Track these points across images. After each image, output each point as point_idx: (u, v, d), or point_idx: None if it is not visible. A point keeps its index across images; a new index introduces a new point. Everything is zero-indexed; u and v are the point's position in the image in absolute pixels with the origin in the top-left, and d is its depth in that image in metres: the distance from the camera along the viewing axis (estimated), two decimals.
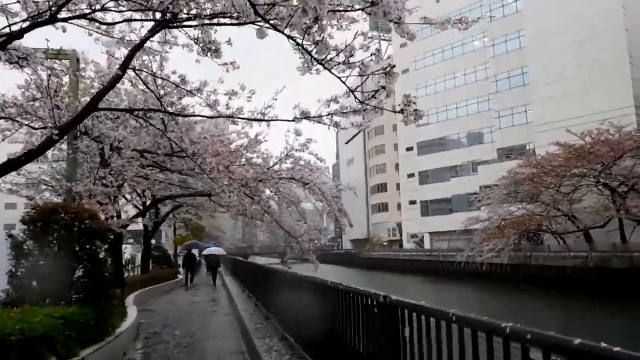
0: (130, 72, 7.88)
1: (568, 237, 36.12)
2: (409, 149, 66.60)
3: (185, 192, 13.33)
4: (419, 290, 37.15)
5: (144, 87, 7.91)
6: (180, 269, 26.79)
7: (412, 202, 65.52)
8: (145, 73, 7.27)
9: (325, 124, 7.70)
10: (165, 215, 19.32)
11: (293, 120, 7.21)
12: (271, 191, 13.49)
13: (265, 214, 13.52)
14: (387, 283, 43.55)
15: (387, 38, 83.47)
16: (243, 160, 12.62)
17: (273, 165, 12.29)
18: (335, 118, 7.93)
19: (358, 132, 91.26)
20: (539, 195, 33.78)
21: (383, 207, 79.92)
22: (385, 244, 75.81)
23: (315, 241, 13.74)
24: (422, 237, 63.66)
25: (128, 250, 23.51)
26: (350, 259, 73.60)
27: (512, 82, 50.65)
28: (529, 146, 47.55)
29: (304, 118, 7.33)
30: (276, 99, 7.09)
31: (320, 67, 7.15)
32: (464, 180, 56.14)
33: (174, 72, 7.31)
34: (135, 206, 15.72)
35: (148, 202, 15.94)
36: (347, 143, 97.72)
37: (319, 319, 5.02)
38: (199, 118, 11.23)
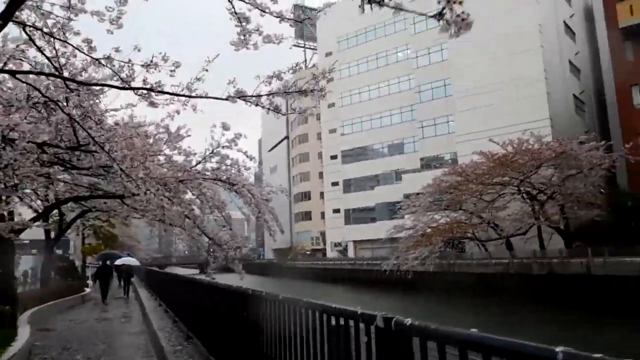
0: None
1: (490, 245, 37.13)
2: (334, 157, 66.49)
3: (94, 193, 11.52)
4: (345, 299, 36.43)
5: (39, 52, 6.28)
6: (89, 281, 24.35)
7: (336, 211, 65.33)
8: (39, 32, 5.69)
9: (264, 107, 6.54)
10: (72, 221, 17.07)
11: (227, 99, 5.97)
12: (193, 194, 12.03)
13: (187, 220, 12.05)
14: (312, 294, 42.58)
15: (312, 47, 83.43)
16: (162, 157, 11.12)
17: (196, 165, 10.87)
18: (277, 100, 6.82)
19: (282, 140, 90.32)
20: (463, 203, 34.38)
21: (307, 216, 79.25)
22: (308, 253, 75.06)
23: (241, 249, 12.40)
24: (346, 245, 63.54)
25: (27, 261, 20.82)
26: (272, 269, 72.00)
27: (435, 93, 51.89)
28: (450, 156, 48.76)
29: (240, 97, 6.11)
30: (207, 70, 5.79)
31: (258, 40, 6.04)
32: (388, 189, 56.70)
33: (77, 33, 5.78)
34: (33, 208, 13.55)
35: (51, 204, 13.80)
36: (270, 151, 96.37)
37: (273, 342, 3.83)
38: (110, 111, 9.68)
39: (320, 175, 72.54)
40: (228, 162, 10.76)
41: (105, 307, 17.27)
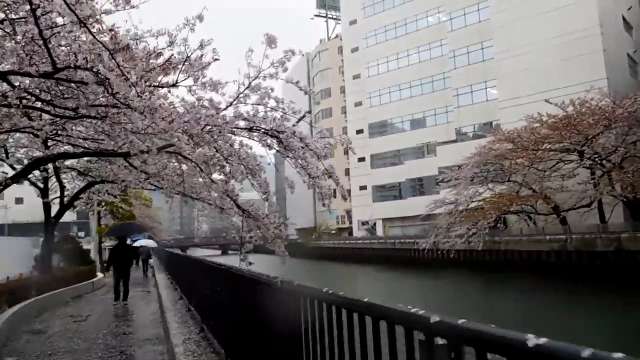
0: None
1: (538, 220, 33.71)
2: (359, 131, 62.88)
3: (87, 150, 8.55)
4: (400, 287, 32.92)
5: None
6: (98, 271, 21.09)
7: (363, 188, 62.11)
8: None
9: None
10: (76, 195, 14.22)
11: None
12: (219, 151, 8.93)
13: (214, 184, 9.09)
14: (346, 276, 39.79)
15: (334, 16, 79.31)
16: (175, 95, 8.02)
17: (226, 107, 7.71)
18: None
19: (304, 115, 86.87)
20: (513, 174, 30.91)
21: (331, 194, 76.16)
22: (334, 232, 72.23)
23: (285, 225, 9.34)
24: (374, 224, 60.48)
25: (25, 244, 18.23)
26: (296, 249, 69.33)
27: (472, 57, 47.85)
28: (491, 125, 44.93)
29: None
30: None
31: None
32: (420, 163, 53.24)
33: None
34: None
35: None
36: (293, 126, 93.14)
37: None
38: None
39: (345, 151, 69.08)
40: (271, 101, 7.61)
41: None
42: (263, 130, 8.04)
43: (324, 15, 79.15)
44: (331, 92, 74.27)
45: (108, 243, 40.67)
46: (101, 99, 6.71)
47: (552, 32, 38.89)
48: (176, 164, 11.16)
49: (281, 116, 8.07)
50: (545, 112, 29.20)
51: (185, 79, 6.84)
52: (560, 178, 27.51)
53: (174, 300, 10.52)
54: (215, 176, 9.42)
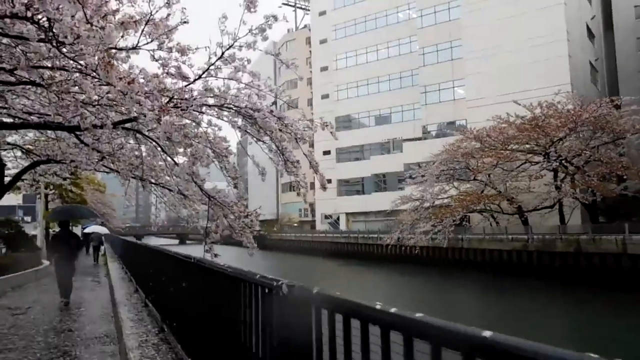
0: None
1: (500, 220, 33.96)
2: (325, 124, 62.12)
3: (28, 121, 7.48)
4: (357, 280, 32.36)
5: None
6: (48, 259, 19.18)
7: (328, 181, 61.23)
8: None
9: None
10: (17, 175, 12.87)
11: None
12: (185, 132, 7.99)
13: (176, 167, 8.18)
14: (307, 270, 39.15)
15: (303, 6, 78.19)
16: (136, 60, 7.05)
17: (194, 81, 6.78)
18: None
19: (271, 105, 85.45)
20: (478, 173, 30.93)
21: (294, 187, 75.12)
22: (296, 225, 71.55)
23: (257, 215, 8.55)
24: (338, 218, 60.11)
25: None
26: (258, 240, 67.87)
27: (441, 56, 47.83)
28: (458, 123, 45.07)
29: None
30: None
31: None
32: (386, 159, 53.11)
33: None
34: None
35: None
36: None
37: None
38: None
39: (311, 144, 68.42)
40: (244, 76, 6.76)
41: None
42: (235, 108, 7.19)
43: (293, 4, 77.88)
44: (297, 83, 73.26)
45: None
46: (45, 62, 5.73)
47: (521, 35, 39.22)
48: (134, 143, 10.18)
49: (256, 94, 7.24)
50: (513, 112, 29.28)
51: (147, 43, 5.92)
52: (527, 178, 27.61)
53: (128, 293, 9.56)
54: (179, 159, 8.54)
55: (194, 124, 7.75)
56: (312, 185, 67.00)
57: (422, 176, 33.77)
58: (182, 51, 5.49)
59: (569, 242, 27.54)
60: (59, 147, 10.62)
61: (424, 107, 49.30)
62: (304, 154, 7.92)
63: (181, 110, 6.52)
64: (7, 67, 5.66)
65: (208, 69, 6.64)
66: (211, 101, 7.33)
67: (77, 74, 6.35)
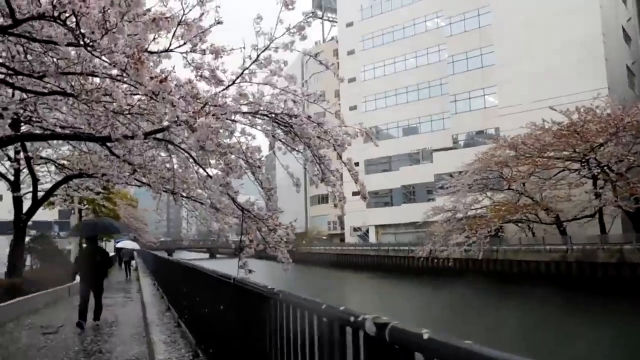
0: None
1: (537, 229, 32.75)
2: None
3: (57, 133, 7.25)
4: (392, 295, 31.39)
5: None
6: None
7: (356, 194, 60.62)
8: None
9: None
10: (50, 190, 12.82)
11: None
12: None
13: (209, 179, 7.84)
14: (339, 283, 38.52)
15: (331, 18, 78.34)
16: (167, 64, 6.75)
17: (228, 87, 6.42)
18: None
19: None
20: (513, 183, 29.92)
21: (323, 199, 74.98)
22: (325, 237, 70.93)
23: (293, 228, 8.13)
24: (367, 230, 59.29)
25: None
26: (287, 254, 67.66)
27: (470, 63, 46.97)
28: (488, 132, 44.04)
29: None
30: None
31: None
32: (416, 170, 52.22)
33: None
34: None
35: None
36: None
37: None
38: None
39: (339, 155, 67.76)
40: (280, 81, 6.37)
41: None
42: (270, 116, 6.79)
43: (320, 16, 78.12)
44: (325, 95, 73.15)
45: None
46: (75, 68, 5.45)
47: (554, 39, 38.15)
48: (165, 155, 9.91)
49: (292, 99, 6.83)
50: (550, 119, 28.27)
51: (180, 46, 5.58)
52: (566, 186, 26.51)
53: (160, 312, 9.22)
54: (211, 171, 8.20)
55: (226, 133, 7.41)
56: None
57: (454, 186, 32.91)
58: (217, 52, 5.13)
59: (611, 252, 26.27)
60: (91, 160, 10.48)
61: (454, 116, 48.38)
62: (342, 162, 7.50)
63: (215, 118, 6.14)
64: (37, 71, 5.39)
65: (242, 73, 6.30)
66: (245, 108, 6.98)
67: (108, 81, 6.09)
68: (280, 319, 2.50)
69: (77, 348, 7.55)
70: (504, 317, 19.81)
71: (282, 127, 7.05)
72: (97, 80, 6.35)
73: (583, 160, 26.14)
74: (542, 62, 38.64)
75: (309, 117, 6.48)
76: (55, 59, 5.54)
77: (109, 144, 7.85)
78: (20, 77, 5.88)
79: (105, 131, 7.11)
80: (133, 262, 27.32)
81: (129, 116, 6.92)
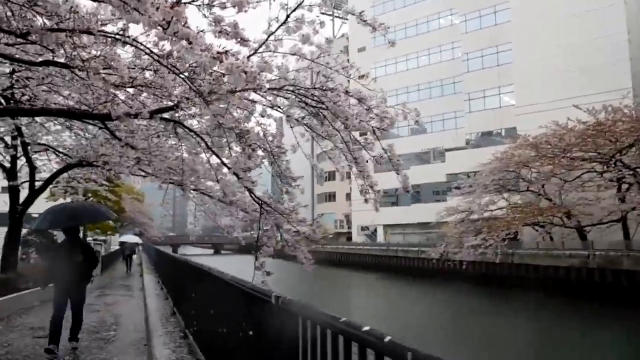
0: None
1: (555, 234, 31.54)
2: (363, 133, 60.60)
3: (49, 108, 6.25)
4: (407, 299, 30.01)
5: None
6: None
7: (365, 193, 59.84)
8: None
9: None
10: (49, 179, 11.89)
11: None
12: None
13: (219, 175, 6.88)
14: (348, 283, 37.56)
15: (341, 16, 77.23)
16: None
17: (251, 54, 5.38)
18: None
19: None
20: (532, 184, 28.78)
21: (330, 197, 73.99)
22: (331, 236, 69.90)
23: (319, 225, 7.10)
24: (375, 230, 58.26)
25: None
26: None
27: (486, 61, 45.79)
28: (504, 131, 42.88)
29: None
30: None
31: None
32: (427, 169, 51.05)
33: None
34: None
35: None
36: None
37: None
38: None
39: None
40: (311, 49, 5.35)
41: (91, 304, 11.85)
42: (299, 92, 5.75)
43: (330, 13, 77.02)
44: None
45: (102, 237, 38.03)
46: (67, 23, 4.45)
47: (576, 37, 36.94)
48: (173, 142, 8.93)
49: (324, 74, 5.80)
50: (573, 118, 27.12)
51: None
52: (594, 188, 25.37)
53: (164, 316, 8.24)
54: (224, 160, 7.20)
55: (244, 114, 6.41)
56: (348, 196, 65.54)
57: (470, 186, 31.79)
58: (240, 5, 4.11)
59: (636, 259, 25.11)
60: (90, 145, 9.51)
61: (468, 114, 47.22)
62: (383, 149, 6.44)
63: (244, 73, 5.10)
64: (19, 32, 4.40)
65: (267, 39, 5.28)
66: (268, 85, 5.92)
67: (107, 49, 5.08)
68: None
69: (67, 358, 6.57)
70: (544, 332, 18.43)
71: (312, 107, 6.03)
72: (94, 52, 5.34)
73: (609, 162, 24.98)
74: (563, 61, 37.41)
75: (347, 91, 5.40)
76: (42, 16, 4.55)
77: (109, 125, 6.88)
78: (2, 38, 4.90)
79: (105, 109, 6.13)
80: (134, 257, 27.95)
81: (131, 90, 5.94)
